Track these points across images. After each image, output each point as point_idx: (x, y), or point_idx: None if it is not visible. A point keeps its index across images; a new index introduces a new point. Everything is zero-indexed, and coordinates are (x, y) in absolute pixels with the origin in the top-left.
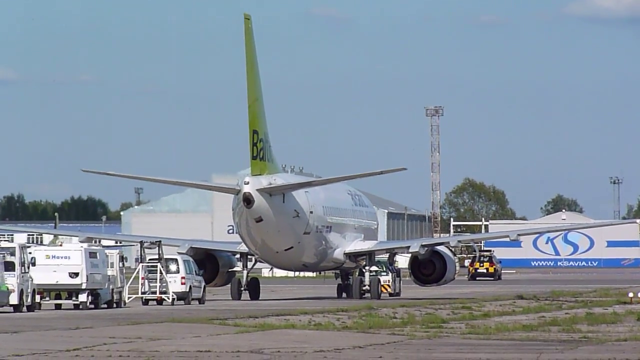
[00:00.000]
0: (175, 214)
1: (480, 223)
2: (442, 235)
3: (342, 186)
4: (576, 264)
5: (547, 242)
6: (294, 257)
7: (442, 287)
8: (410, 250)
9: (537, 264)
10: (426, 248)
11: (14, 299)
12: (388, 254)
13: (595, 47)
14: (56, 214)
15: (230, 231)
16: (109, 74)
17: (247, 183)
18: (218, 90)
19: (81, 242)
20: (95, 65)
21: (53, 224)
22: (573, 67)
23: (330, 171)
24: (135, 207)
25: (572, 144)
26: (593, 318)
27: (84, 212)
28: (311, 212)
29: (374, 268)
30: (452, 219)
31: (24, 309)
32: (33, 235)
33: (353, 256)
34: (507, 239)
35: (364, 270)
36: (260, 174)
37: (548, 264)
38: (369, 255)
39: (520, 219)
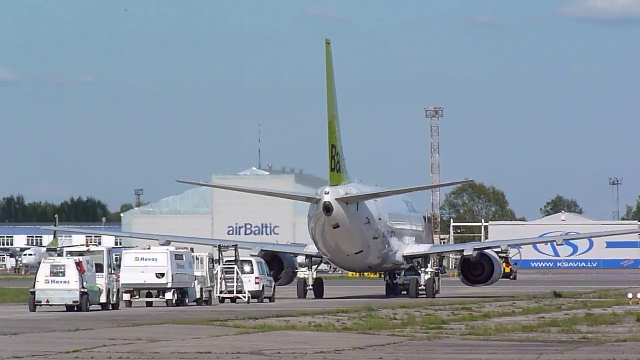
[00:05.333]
0: (175, 215)
1: (480, 224)
2: (441, 236)
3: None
4: (576, 265)
5: (546, 243)
6: (361, 260)
7: (484, 287)
8: (464, 253)
9: (536, 265)
10: (477, 251)
11: (102, 298)
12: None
13: (594, 48)
14: (56, 215)
15: (230, 232)
16: (109, 74)
17: (327, 193)
18: (217, 91)
19: (161, 244)
20: (95, 66)
21: (53, 225)
22: (572, 68)
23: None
24: (136, 208)
25: (571, 145)
26: (592, 319)
27: (83, 213)
28: (380, 219)
29: (429, 269)
30: (451, 220)
31: (110, 307)
32: (33, 237)
33: (410, 258)
34: (555, 243)
35: (419, 271)
36: (337, 184)
37: (547, 265)
38: (425, 257)
39: (520, 219)
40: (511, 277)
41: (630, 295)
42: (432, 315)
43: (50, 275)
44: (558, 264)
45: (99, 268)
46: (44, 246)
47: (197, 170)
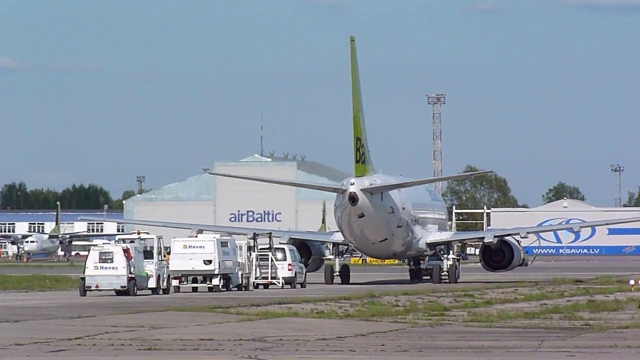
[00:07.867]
0: (178, 202)
1: (482, 211)
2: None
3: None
4: (578, 252)
5: (553, 231)
6: (386, 248)
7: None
8: (485, 241)
9: (539, 252)
10: (497, 238)
11: (152, 283)
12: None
13: (595, 35)
14: (58, 202)
15: (232, 219)
16: (110, 62)
17: (353, 184)
18: (219, 78)
19: (198, 233)
20: (96, 53)
21: (55, 213)
22: (574, 54)
23: (332, 160)
24: (138, 195)
25: (574, 131)
26: (594, 305)
27: (85, 200)
28: (403, 208)
29: (451, 256)
30: (454, 207)
31: (160, 291)
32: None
33: (433, 245)
34: (569, 230)
35: (442, 258)
36: (362, 176)
37: (550, 252)
38: (447, 244)
39: (522, 206)
40: (524, 264)
41: (632, 282)
42: (435, 302)
43: (99, 262)
44: (560, 250)
45: (149, 255)
46: (46, 233)
47: (199, 157)
